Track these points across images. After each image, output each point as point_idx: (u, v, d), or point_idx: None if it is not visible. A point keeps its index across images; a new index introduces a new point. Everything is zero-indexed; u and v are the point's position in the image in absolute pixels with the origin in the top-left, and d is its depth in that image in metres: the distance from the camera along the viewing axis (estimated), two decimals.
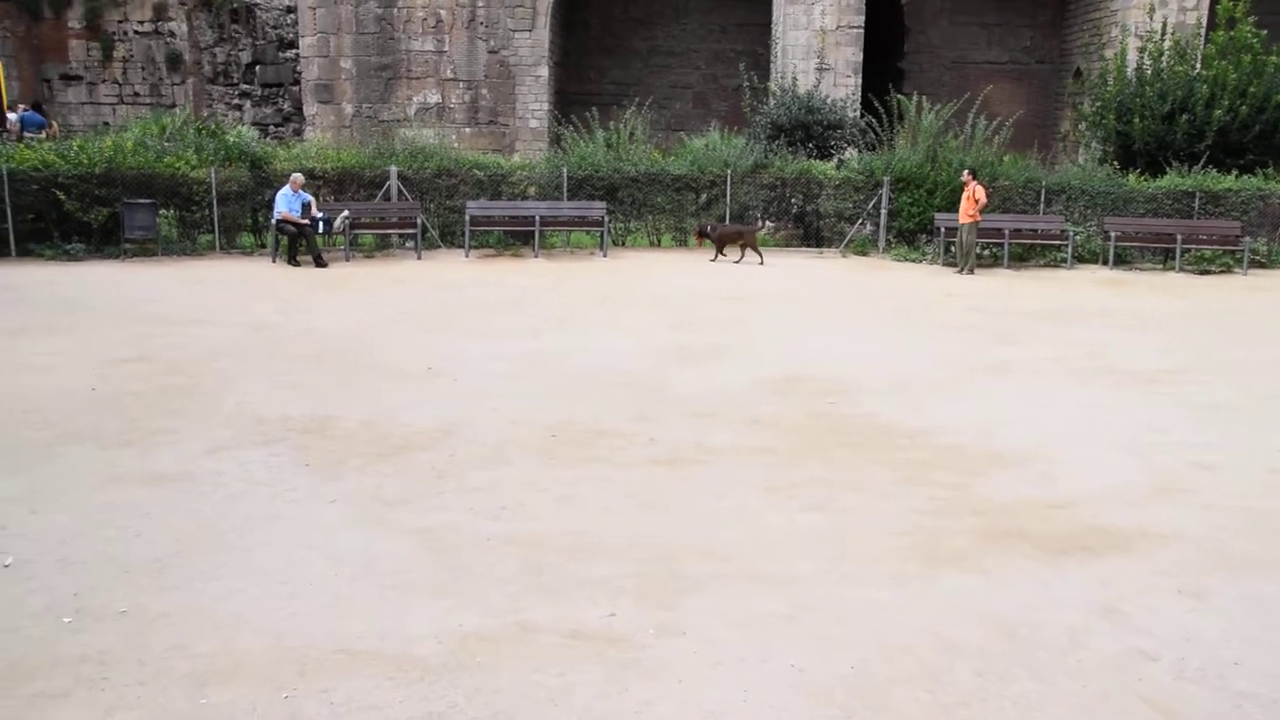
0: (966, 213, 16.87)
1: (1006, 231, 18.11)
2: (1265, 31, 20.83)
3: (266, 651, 4.24)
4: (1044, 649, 4.39)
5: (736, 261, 17.07)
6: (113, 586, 4.79)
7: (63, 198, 15.83)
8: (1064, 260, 18.33)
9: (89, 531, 5.40)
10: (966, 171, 17.24)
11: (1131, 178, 19.52)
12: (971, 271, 16.92)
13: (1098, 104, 21.89)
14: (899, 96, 20.26)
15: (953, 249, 17.86)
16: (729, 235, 17.41)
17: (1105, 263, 18.40)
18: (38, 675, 4.01)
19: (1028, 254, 18.67)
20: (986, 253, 18.38)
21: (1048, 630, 4.56)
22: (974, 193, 16.81)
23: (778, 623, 4.58)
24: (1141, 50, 21.77)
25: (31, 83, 28.97)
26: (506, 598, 4.76)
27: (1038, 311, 13.38)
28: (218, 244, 17.12)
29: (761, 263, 16.81)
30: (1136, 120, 20.44)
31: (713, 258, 17.35)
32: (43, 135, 22.88)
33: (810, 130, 21.21)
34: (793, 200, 19.24)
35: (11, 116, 23.38)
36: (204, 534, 5.41)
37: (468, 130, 26.55)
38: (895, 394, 8.74)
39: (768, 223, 19.11)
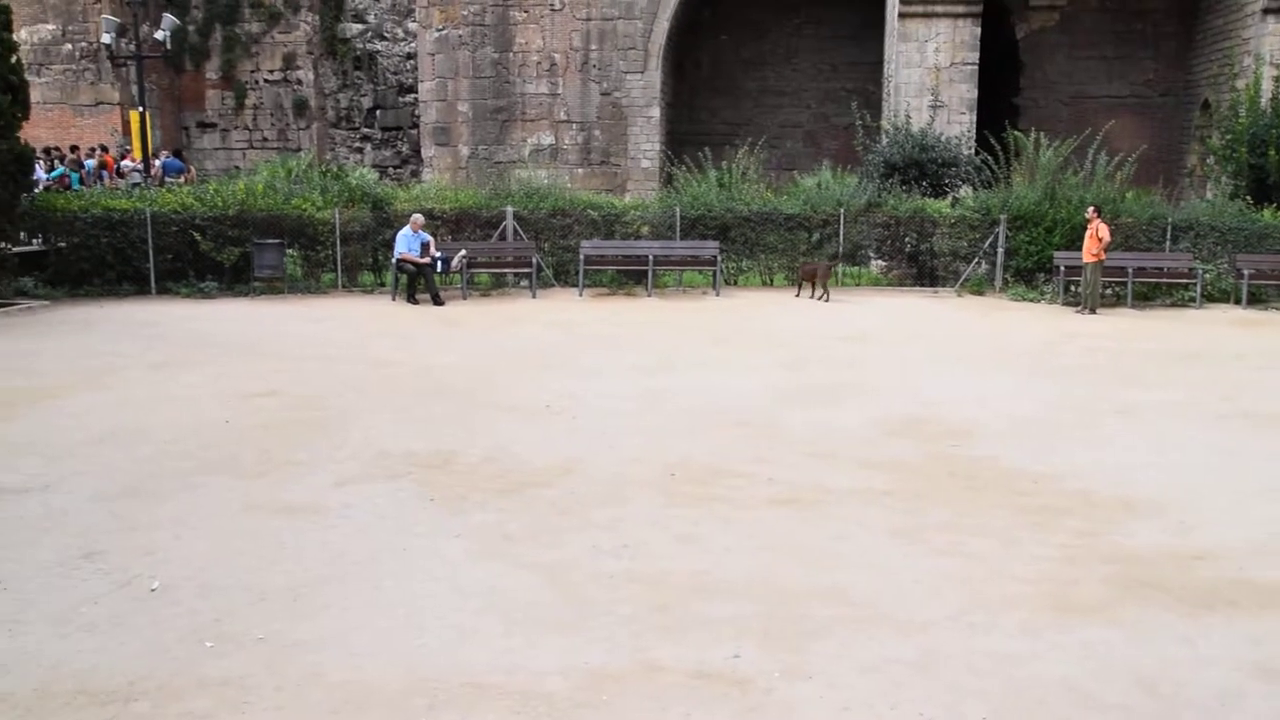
0: (1090, 251, 16.43)
1: (1130, 270, 17.56)
2: None
3: (397, 682, 4.33)
4: (1192, 708, 4.20)
5: (816, 298, 17.18)
6: (250, 613, 4.95)
7: (199, 238, 16.61)
8: (1192, 299, 17.68)
9: (227, 559, 5.61)
10: (1091, 209, 16.81)
11: (1266, 213, 18.74)
12: (1094, 311, 16.45)
13: (1228, 136, 21.14)
14: (1015, 133, 19.90)
15: (1073, 288, 17.39)
16: (808, 272, 17.55)
17: (1237, 302, 17.68)
18: (184, 696, 4.16)
19: (1153, 293, 18.06)
20: (1109, 292, 17.84)
21: (1195, 688, 4.36)
22: (1098, 230, 16.37)
23: (906, 670, 4.48)
24: (1277, 80, 20.97)
25: (173, 131, 30.54)
26: (631, 635, 4.77)
27: (1166, 353, 12.92)
28: (340, 282, 17.69)
29: (826, 300, 16.90)
30: (1272, 153, 19.66)
31: (797, 294, 17.51)
32: (181, 180, 24.08)
33: (924, 168, 20.97)
34: (906, 239, 19.02)
35: (155, 163, 24.69)
36: (334, 565, 5.57)
37: (580, 171, 26.98)
38: (1018, 437, 8.52)
39: (876, 260, 18.94)
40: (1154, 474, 7.50)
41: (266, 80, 30.88)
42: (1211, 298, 17.94)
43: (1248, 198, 19.86)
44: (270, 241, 16.73)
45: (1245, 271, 17.60)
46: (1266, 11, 23.04)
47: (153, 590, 5.18)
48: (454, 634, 4.78)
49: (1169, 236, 18.52)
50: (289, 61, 30.82)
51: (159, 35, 25.29)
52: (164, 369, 10.76)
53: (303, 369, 10.87)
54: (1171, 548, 6.02)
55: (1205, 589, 5.41)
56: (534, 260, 17.52)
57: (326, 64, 31.33)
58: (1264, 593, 5.38)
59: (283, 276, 17.00)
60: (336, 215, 17.34)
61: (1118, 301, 17.67)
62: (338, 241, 17.44)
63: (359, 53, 31.35)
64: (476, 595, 5.20)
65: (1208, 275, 17.87)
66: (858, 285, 18.83)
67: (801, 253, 18.88)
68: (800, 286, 17.71)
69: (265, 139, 30.98)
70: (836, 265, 18.24)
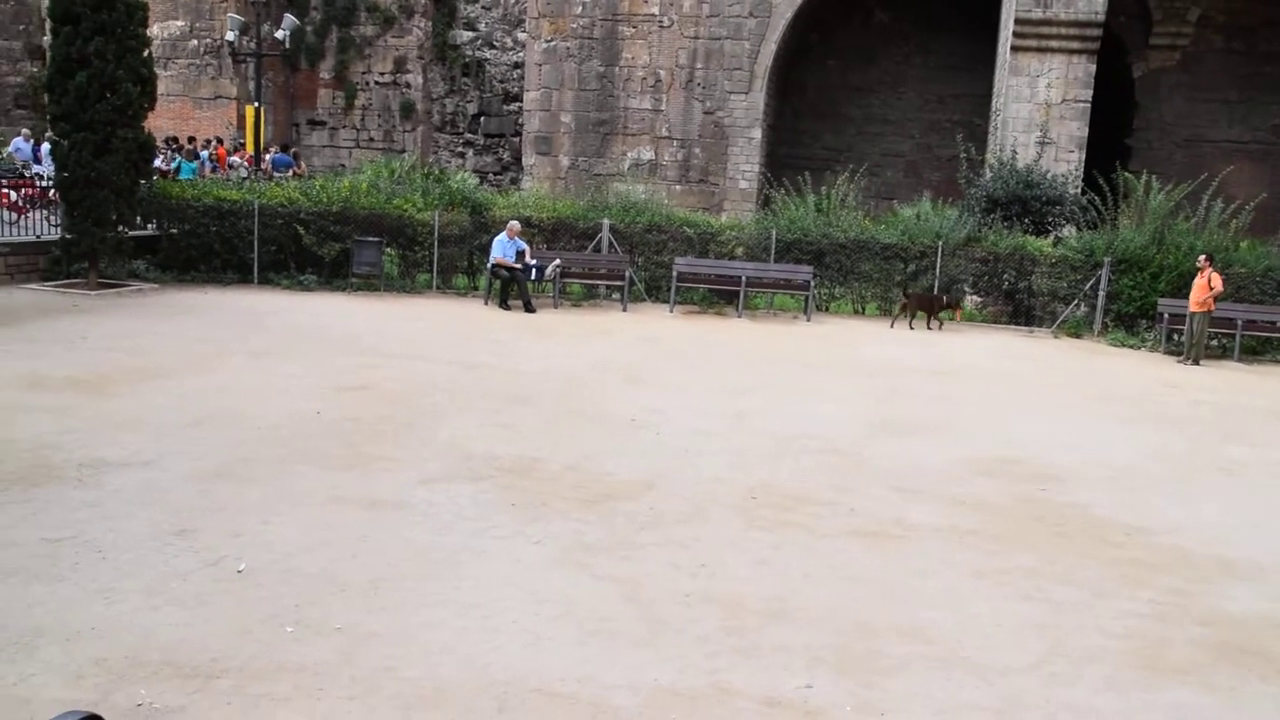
0: (1199, 300, 15.91)
1: (1240, 322, 16.94)
2: None
3: (469, 682, 4.37)
4: None
5: (929, 328, 17.10)
6: (330, 602, 5.05)
7: (302, 232, 17.05)
8: None
9: (312, 547, 5.72)
10: (1203, 256, 16.28)
11: None
12: (1197, 362, 15.91)
13: None
14: (1125, 174, 19.37)
15: (1176, 337, 16.84)
16: (923, 302, 17.58)
17: None
18: (264, 678, 4.26)
19: (1263, 348, 17.39)
20: (1215, 343, 17.23)
21: None
22: (1210, 280, 15.85)
23: (983, 716, 4.38)
24: None
25: (284, 127, 31.46)
26: (704, 656, 4.74)
27: (1273, 410, 12.43)
28: (434, 283, 17.99)
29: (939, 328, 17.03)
30: None
31: (909, 324, 17.42)
32: (289, 174, 24.79)
33: (1027, 205, 20.53)
34: (1005, 276, 18.63)
35: (266, 157, 25.46)
36: (414, 561, 5.65)
37: (678, 188, 27.05)
38: (1112, 486, 8.27)
39: (972, 296, 18.62)
40: (1255, 535, 7.22)
41: (377, 82, 31.62)
42: None
43: None
44: (370, 239, 17.09)
45: None
46: None
47: (239, 571, 5.32)
48: (528, 639, 4.81)
49: None
50: (399, 65, 31.52)
51: (279, 34, 26.10)
52: (263, 358, 11.06)
53: (394, 366, 11.07)
54: (1272, 614, 5.78)
55: None
56: (627, 274, 17.60)
57: (435, 69, 31.98)
58: None
59: (380, 274, 17.35)
60: (436, 217, 17.64)
61: (1223, 354, 17.07)
62: (435, 243, 17.73)
63: (468, 60, 31.93)
64: (552, 603, 5.22)
65: None
66: (951, 320, 18.48)
67: (896, 283, 18.65)
68: (913, 316, 17.55)
69: (371, 139, 31.71)
70: (957, 300, 17.98)
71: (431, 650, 4.63)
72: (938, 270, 18.32)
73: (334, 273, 17.35)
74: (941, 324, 17.16)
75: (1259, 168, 26.27)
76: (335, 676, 4.34)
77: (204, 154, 25.25)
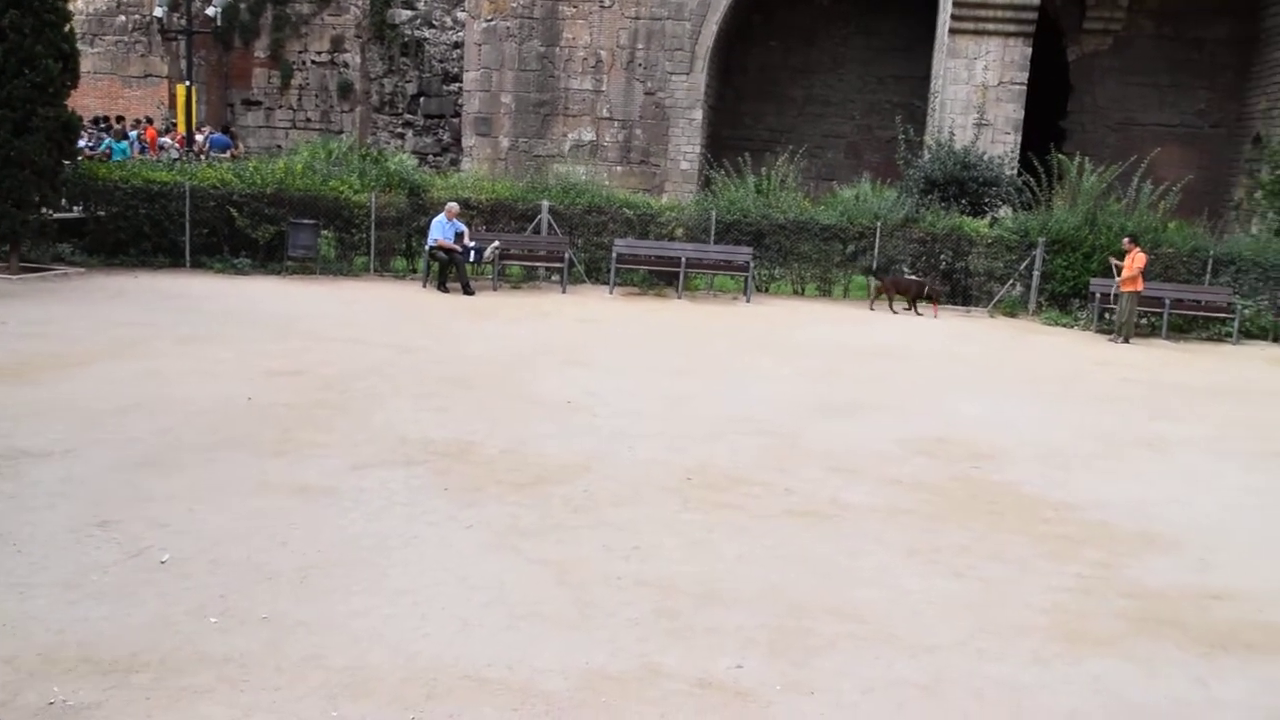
0: (1127, 280, 16.23)
1: (1167, 301, 17.33)
2: None
3: (397, 670, 4.31)
4: None
5: (904, 310, 17.53)
6: (257, 591, 4.96)
7: (235, 214, 16.73)
8: (1229, 335, 17.41)
9: (239, 536, 5.62)
10: (1128, 239, 16.61)
11: None
12: (1127, 340, 16.25)
13: (1278, 172, 20.80)
14: (1059, 156, 19.68)
15: (1108, 315, 17.18)
16: (901, 287, 17.84)
17: (1276, 340, 17.40)
18: (185, 670, 4.17)
19: (1189, 326, 17.82)
20: (1144, 322, 17.61)
21: None
22: (1134, 259, 16.17)
23: (912, 692, 4.42)
24: None
25: (218, 107, 30.82)
26: (635, 639, 4.74)
27: (1199, 387, 12.72)
28: (372, 266, 17.76)
29: (918, 313, 17.39)
30: None
31: (891, 308, 17.76)
32: (226, 156, 24.29)
33: (965, 186, 20.78)
34: (942, 256, 18.85)
35: (198, 137, 24.91)
36: (344, 548, 5.57)
37: (619, 169, 26.97)
38: (1043, 463, 8.40)
39: (910, 276, 18.84)
40: (1177, 510, 7.38)
41: (314, 61, 31.09)
42: (1249, 334, 17.66)
43: None
44: (306, 222, 16.82)
45: None
46: None
47: (163, 562, 5.20)
48: (458, 625, 4.76)
49: (1209, 270, 18.26)
50: (337, 44, 31.01)
51: (210, 11, 25.54)
52: (192, 343, 10.83)
53: (329, 350, 10.91)
54: (1190, 585, 5.92)
55: (1222, 629, 5.31)
56: (567, 255, 17.52)
57: (374, 48, 31.50)
58: None
59: (316, 257, 17.10)
60: (373, 199, 17.41)
61: (1152, 332, 17.45)
62: (373, 225, 17.51)
63: (406, 39, 31.48)
64: (483, 588, 5.18)
65: (1247, 311, 17.59)
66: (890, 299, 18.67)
67: (836, 264, 18.79)
68: (891, 300, 17.79)
69: (308, 120, 31.19)
70: (937, 288, 18.15)
71: (360, 638, 4.57)
72: (876, 251, 18.48)
73: (269, 256, 17.06)
74: (915, 308, 17.48)
75: (1187, 150, 26.83)
76: (260, 667, 4.26)
77: (133, 134, 24.63)
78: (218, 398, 8.52)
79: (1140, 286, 16.34)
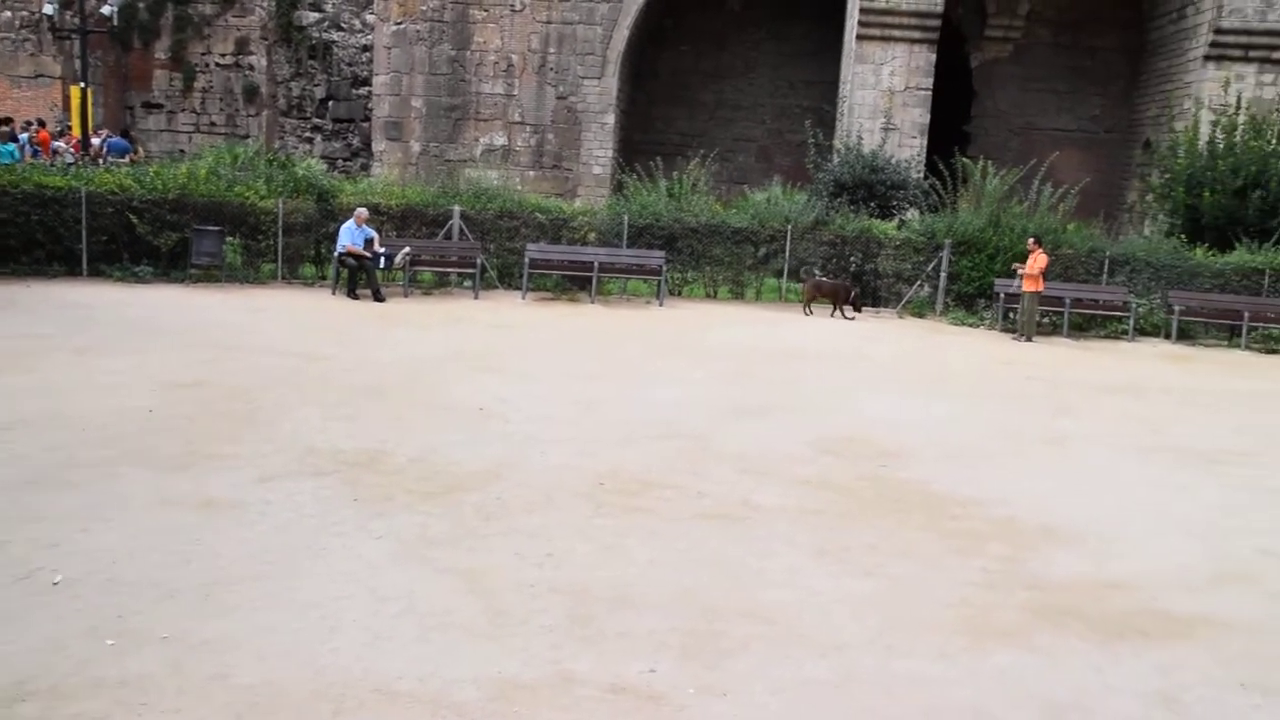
0: (1028, 280, 16.70)
1: (1067, 301, 17.87)
2: None
3: (305, 686, 4.23)
4: None
5: (834, 316, 17.73)
6: (157, 611, 4.82)
7: (135, 221, 16.22)
8: (1125, 332, 18.02)
9: (138, 554, 5.45)
10: (1032, 239, 17.09)
11: (1199, 252, 19.18)
12: (1030, 339, 16.71)
13: (1167, 176, 21.60)
14: (964, 159, 20.16)
15: (1012, 315, 17.66)
16: (826, 291, 18.01)
17: (1168, 337, 18.06)
18: (79, 697, 4.03)
19: (1088, 324, 18.39)
20: (1046, 320, 18.13)
21: (1100, 717, 4.41)
22: (1036, 260, 16.65)
23: (822, 690, 4.48)
24: (1215, 124, 21.49)
25: (116, 110, 29.89)
26: (548, 646, 4.71)
27: (1098, 384, 13.14)
28: (280, 273, 17.40)
29: (849, 318, 17.65)
30: (1207, 194, 20.13)
31: (806, 311, 17.85)
32: (125, 160, 23.56)
33: (873, 189, 21.16)
34: (851, 258, 19.15)
35: (95, 141, 24.11)
36: (250, 563, 5.44)
37: (531, 174, 26.86)
38: (949, 461, 8.59)
39: (821, 278, 19.11)
40: (1077, 503, 7.61)
41: (218, 64, 30.36)
42: (1144, 331, 18.30)
43: (1182, 236, 20.30)
44: (210, 228, 16.39)
45: (1176, 307, 17.99)
46: (1207, 58, 23.63)
47: (54, 584, 5.02)
48: (368, 638, 4.69)
49: (1106, 270, 18.87)
50: (241, 46, 30.34)
51: (106, 10, 24.75)
52: (89, 354, 10.48)
53: (234, 360, 10.65)
54: (1088, 576, 6.10)
55: (1118, 618, 5.49)
56: (478, 261, 17.38)
57: (280, 51, 30.88)
58: (1174, 623, 5.46)
59: (221, 265, 16.68)
60: (280, 205, 17.06)
61: (1054, 330, 17.97)
62: (280, 232, 17.15)
63: (314, 41, 30.93)
64: (394, 599, 5.11)
65: (1141, 309, 18.22)
66: (801, 302, 18.91)
67: (748, 267, 18.97)
68: (810, 301, 17.92)
69: (213, 124, 30.46)
70: (855, 289, 18.41)
71: (266, 655, 4.46)
72: (787, 254, 18.71)
73: (172, 264, 16.58)
74: (842, 312, 17.72)
75: (1084, 154, 27.69)
76: (161, 689, 4.13)
77: (23, 136, 23.73)
78: (115, 411, 8.25)
79: (1041, 287, 16.81)
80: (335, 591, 5.15)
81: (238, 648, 4.51)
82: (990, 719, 4.33)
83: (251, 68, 30.39)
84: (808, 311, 17.68)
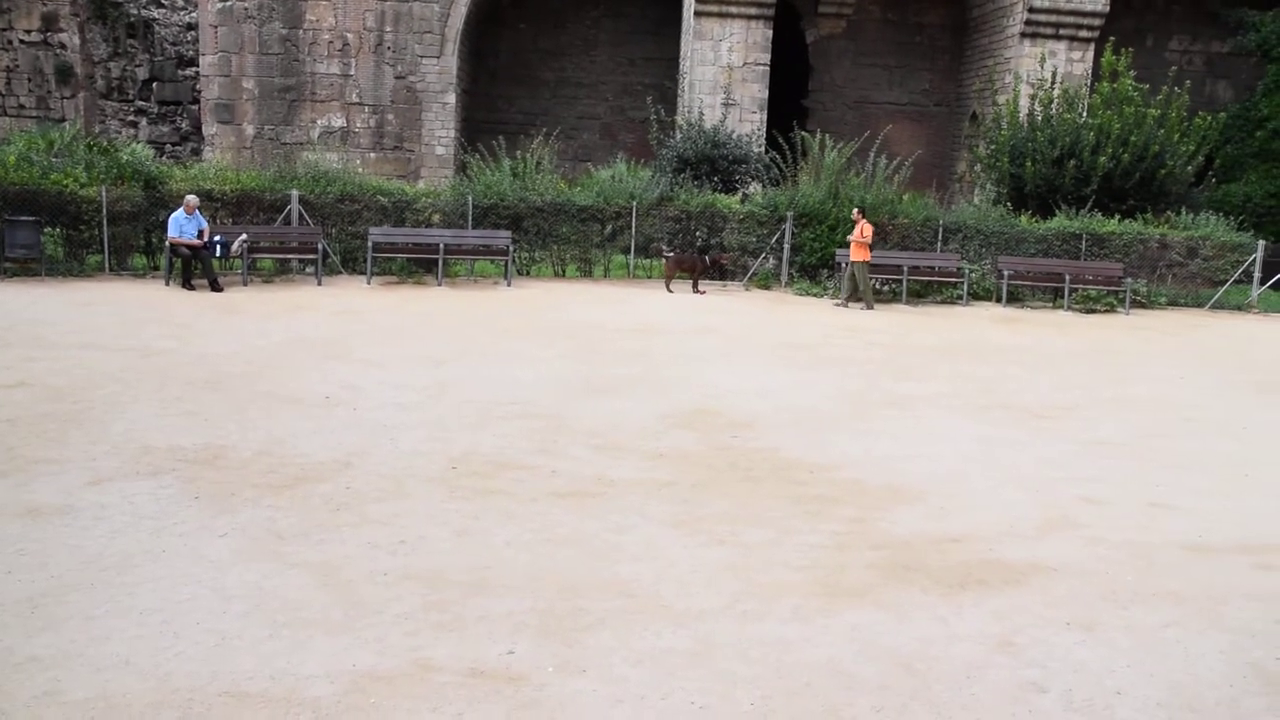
0: (857, 249, 17.20)
1: (905, 268, 18.55)
2: (1146, 86, 21.90)
3: (147, 695, 4.05)
4: (941, 683, 4.44)
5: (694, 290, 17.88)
6: None
7: None
8: (959, 297, 18.84)
9: None
10: (857, 210, 17.63)
11: (1023, 219, 20.19)
12: (871, 307, 17.27)
13: (992, 147, 22.63)
14: (803, 133, 20.65)
15: (837, 285, 18.24)
16: (686, 265, 18.12)
17: (999, 300, 18.96)
18: None
19: (925, 290, 19.14)
20: (886, 289, 18.79)
21: (945, 664, 4.62)
22: (863, 230, 17.18)
23: (680, 659, 4.55)
24: (1033, 97, 22.61)
25: None
26: (404, 635, 4.64)
27: (936, 347, 13.70)
28: (108, 265, 16.54)
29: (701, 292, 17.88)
30: (1028, 164, 21.18)
31: (667, 288, 17.91)
32: None
33: (716, 164, 21.47)
34: (697, 233, 19.41)
35: None
36: (83, 571, 5.17)
37: (373, 155, 26.20)
38: (798, 428, 8.82)
39: (669, 254, 19.29)
40: (919, 463, 7.93)
41: (23, 41, 28.43)
42: (977, 296, 19.16)
43: (1008, 204, 21.35)
44: (24, 219, 15.43)
45: (1005, 272, 18.90)
46: (1024, 35, 24.87)
47: None
48: (214, 640, 4.52)
49: (940, 238, 19.67)
50: (49, 22, 28.48)
51: None
52: None
53: (60, 358, 10.07)
54: (932, 532, 6.37)
55: (959, 570, 5.75)
56: (320, 246, 16.88)
57: (94, 28, 29.14)
58: (1010, 571, 5.76)
59: (40, 257, 15.73)
60: (104, 193, 16.17)
61: (894, 298, 18.63)
62: (105, 221, 16.27)
63: (133, 19, 29.29)
64: (241, 598, 4.94)
65: (973, 275, 19.07)
66: (649, 278, 19.08)
67: (595, 244, 19.00)
68: (670, 278, 17.95)
69: (22, 106, 28.54)
70: (720, 259, 18.57)
71: (103, 666, 4.25)
72: (634, 230, 18.82)
73: None
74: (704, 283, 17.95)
75: (917, 127, 28.75)
76: None
77: None
78: None
79: (868, 256, 17.34)
80: (178, 595, 4.95)
81: (69, 661, 4.28)
82: (843, 675, 4.48)
83: (63, 46, 28.58)
84: (670, 289, 17.78)
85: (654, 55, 29.04)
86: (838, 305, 17.37)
